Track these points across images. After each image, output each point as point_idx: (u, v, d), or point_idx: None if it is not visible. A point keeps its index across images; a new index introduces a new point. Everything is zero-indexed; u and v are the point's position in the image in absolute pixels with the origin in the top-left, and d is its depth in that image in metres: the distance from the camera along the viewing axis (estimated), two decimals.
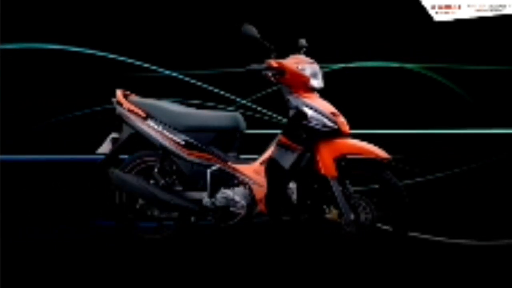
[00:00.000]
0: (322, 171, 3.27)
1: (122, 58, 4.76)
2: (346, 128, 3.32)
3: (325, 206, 3.34)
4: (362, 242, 3.28)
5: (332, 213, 3.30)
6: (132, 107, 3.63)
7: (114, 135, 3.71)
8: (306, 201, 3.39)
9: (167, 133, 3.55)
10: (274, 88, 4.53)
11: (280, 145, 3.35)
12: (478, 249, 3.87)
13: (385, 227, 3.40)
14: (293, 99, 3.35)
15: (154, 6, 4.79)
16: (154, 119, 3.58)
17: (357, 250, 3.31)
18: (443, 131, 4.68)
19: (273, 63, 3.37)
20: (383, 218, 3.31)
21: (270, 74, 3.37)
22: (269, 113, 4.83)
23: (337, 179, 3.25)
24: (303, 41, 3.63)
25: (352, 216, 3.22)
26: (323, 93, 3.47)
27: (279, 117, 4.78)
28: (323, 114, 3.29)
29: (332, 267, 3.35)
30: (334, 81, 3.91)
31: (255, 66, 3.40)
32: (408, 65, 4.71)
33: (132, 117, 3.62)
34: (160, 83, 4.78)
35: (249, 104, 4.83)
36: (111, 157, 3.69)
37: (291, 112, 3.36)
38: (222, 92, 4.81)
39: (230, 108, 4.79)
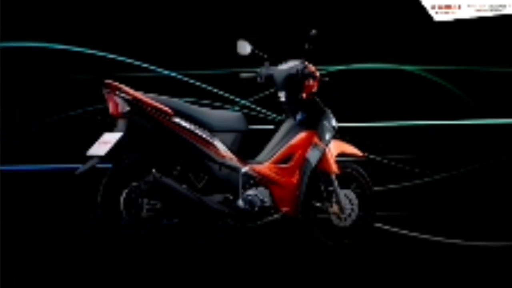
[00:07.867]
0: (326, 168, 3.40)
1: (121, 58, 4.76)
2: None
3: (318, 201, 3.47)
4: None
5: (334, 208, 3.40)
6: (150, 101, 3.08)
7: (108, 135, 3.07)
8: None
9: (199, 133, 3.17)
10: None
11: (312, 144, 3.40)
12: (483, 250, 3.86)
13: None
14: (320, 102, 3.45)
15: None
16: (184, 118, 3.14)
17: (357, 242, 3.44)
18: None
19: (312, 67, 3.42)
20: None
21: (310, 78, 3.40)
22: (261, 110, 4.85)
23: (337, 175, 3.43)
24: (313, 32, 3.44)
25: (354, 209, 3.42)
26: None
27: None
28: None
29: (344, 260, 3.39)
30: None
31: (299, 69, 3.39)
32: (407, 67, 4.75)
33: (156, 113, 3.08)
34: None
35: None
36: (110, 160, 3.05)
37: (315, 113, 3.43)
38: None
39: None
